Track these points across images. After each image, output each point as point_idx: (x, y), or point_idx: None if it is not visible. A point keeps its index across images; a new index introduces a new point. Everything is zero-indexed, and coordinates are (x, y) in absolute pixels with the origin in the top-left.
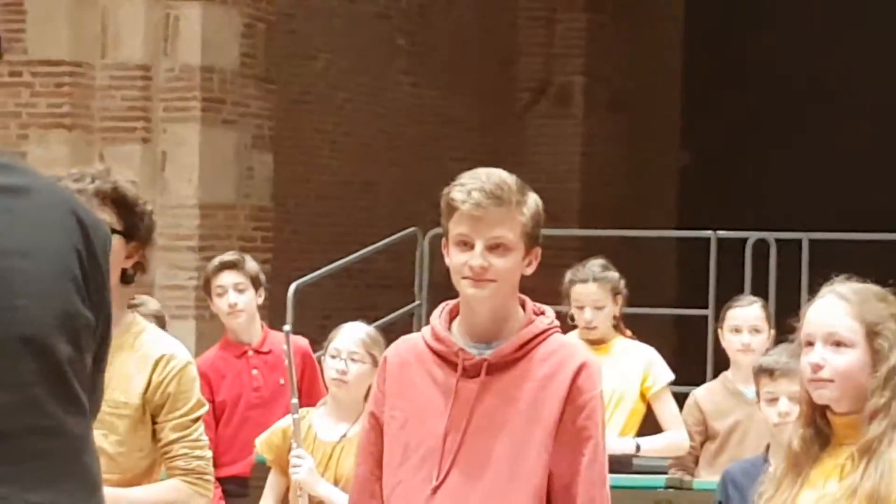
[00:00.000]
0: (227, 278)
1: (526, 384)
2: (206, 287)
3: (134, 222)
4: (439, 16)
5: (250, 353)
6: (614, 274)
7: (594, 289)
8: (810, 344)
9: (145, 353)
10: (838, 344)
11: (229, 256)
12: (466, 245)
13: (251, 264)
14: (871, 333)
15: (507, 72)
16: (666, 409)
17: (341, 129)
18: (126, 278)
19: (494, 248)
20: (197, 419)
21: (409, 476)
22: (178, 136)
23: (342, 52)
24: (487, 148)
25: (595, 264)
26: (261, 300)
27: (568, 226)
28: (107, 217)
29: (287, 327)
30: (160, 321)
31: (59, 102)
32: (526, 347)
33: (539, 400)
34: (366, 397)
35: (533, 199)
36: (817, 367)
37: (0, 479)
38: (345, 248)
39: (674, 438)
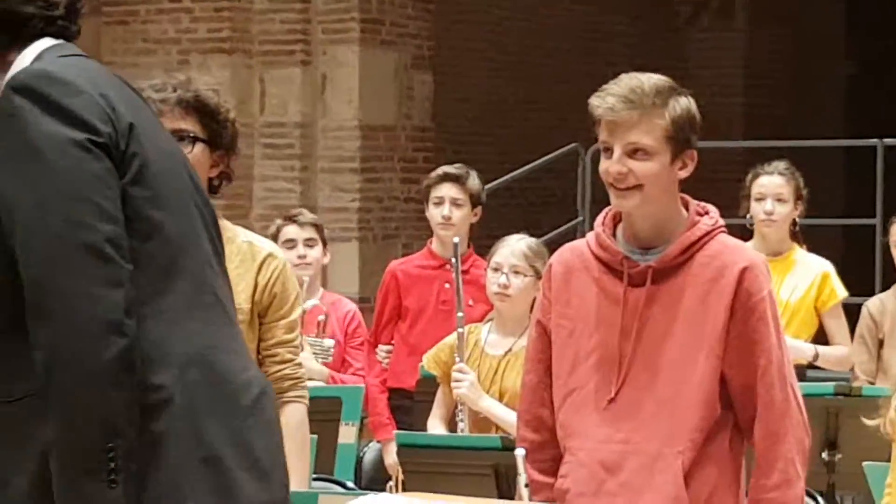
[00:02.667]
0: (447, 190)
1: (691, 288)
2: (424, 193)
3: (217, 130)
4: None
5: (448, 266)
6: (799, 175)
7: (779, 181)
8: None
9: (244, 256)
10: None
11: (454, 169)
12: (608, 151)
13: (474, 181)
14: None
15: None
16: (838, 324)
17: (500, 47)
18: (211, 188)
19: (633, 153)
20: (296, 321)
21: (580, 384)
22: (337, 59)
23: None
24: (647, 63)
25: (781, 162)
26: (475, 219)
27: (732, 140)
28: (189, 126)
29: (456, 239)
30: (319, 229)
31: (219, 27)
32: (690, 251)
33: (705, 304)
34: (531, 310)
35: (679, 102)
36: None
37: None
38: (507, 167)
39: (846, 352)
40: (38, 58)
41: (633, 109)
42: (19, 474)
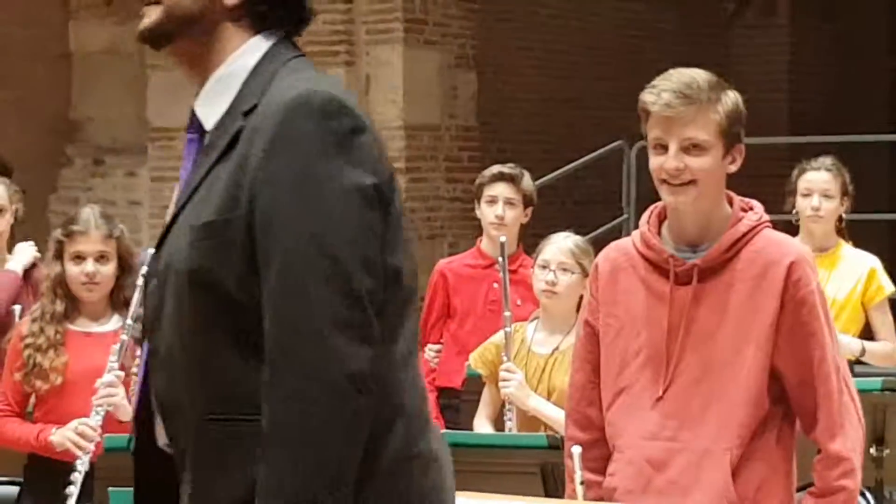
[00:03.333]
0: (501, 189)
1: (738, 285)
2: (477, 191)
3: None
4: None
5: (496, 266)
6: (845, 171)
7: (826, 177)
8: None
9: None
10: None
11: (508, 169)
12: (662, 148)
13: (527, 181)
14: None
15: None
16: (884, 319)
17: (544, 45)
18: None
19: (689, 148)
20: None
21: (629, 383)
22: (381, 59)
23: None
24: (692, 59)
25: (827, 158)
26: (526, 219)
27: (777, 136)
28: None
29: (503, 238)
30: None
31: None
32: (735, 247)
33: (753, 300)
34: (577, 308)
35: (729, 97)
36: None
37: None
38: (552, 165)
39: (893, 348)
40: (268, 57)
41: (690, 105)
42: (228, 499)
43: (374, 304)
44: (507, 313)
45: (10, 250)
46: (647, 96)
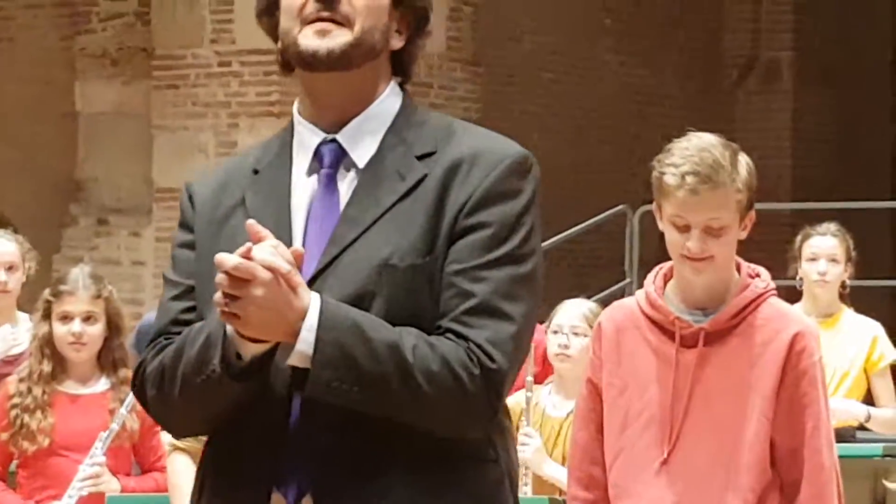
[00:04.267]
0: None
1: (743, 352)
2: None
3: None
4: None
5: None
6: (849, 237)
7: (833, 242)
8: None
9: None
10: None
11: None
12: (683, 227)
13: None
14: None
15: (715, 48)
16: (886, 386)
17: (549, 109)
18: None
19: (711, 229)
20: None
21: (631, 443)
22: None
23: (548, 32)
24: (696, 124)
25: (832, 224)
26: None
27: (780, 201)
28: None
29: None
30: None
31: (268, 91)
32: (742, 314)
33: (757, 367)
34: None
35: (744, 166)
36: None
37: None
38: (555, 228)
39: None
40: (409, 104)
41: (716, 189)
42: None
43: None
44: (529, 378)
45: (19, 307)
46: (670, 178)
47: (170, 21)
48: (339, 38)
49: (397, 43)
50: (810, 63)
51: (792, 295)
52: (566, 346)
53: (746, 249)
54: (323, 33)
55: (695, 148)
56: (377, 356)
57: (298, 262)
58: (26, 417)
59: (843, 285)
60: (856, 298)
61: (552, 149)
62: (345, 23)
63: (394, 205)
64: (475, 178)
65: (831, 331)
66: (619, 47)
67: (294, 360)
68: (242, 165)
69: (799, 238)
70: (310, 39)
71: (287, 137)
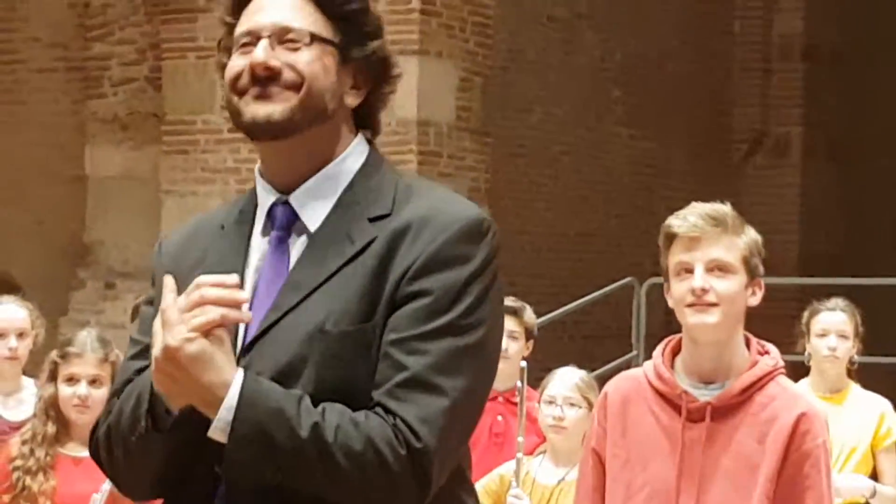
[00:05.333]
0: (508, 324)
1: (749, 428)
2: None
3: None
4: (654, 67)
5: (500, 399)
6: (858, 313)
7: (842, 317)
8: None
9: None
10: None
11: (511, 302)
12: (687, 272)
13: (530, 315)
14: None
15: (723, 122)
16: (892, 463)
17: (557, 181)
18: None
19: (714, 270)
20: None
21: None
22: None
23: (557, 104)
24: (704, 198)
25: (840, 300)
26: (527, 352)
27: (787, 276)
28: None
29: (523, 363)
30: None
31: None
32: (749, 391)
33: (761, 446)
34: (583, 441)
35: (750, 232)
36: None
37: None
38: (561, 300)
39: None
40: (372, 162)
41: (716, 227)
42: None
43: None
44: (520, 439)
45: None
46: (673, 221)
47: (181, 87)
48: (282, 104)
49: (354, 100)
50: (819, 138)
51: (799, 370)
52: (561, 418)
53: (752, 324)
54: (264, 98)
55: (698, 204)
56: (296, 437)
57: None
58: (28, 480)
59: (850, 361)
60: (864, 375)
61: (559, 220)
62: (291, 87)
63: (339, 269)
64: (422, 243)
65: (839, 406)
66: (627, 120)
67: (214, 434)
68: (212, 221)
69: (807, 313)
70: (250, 106)
71: (253, 195)
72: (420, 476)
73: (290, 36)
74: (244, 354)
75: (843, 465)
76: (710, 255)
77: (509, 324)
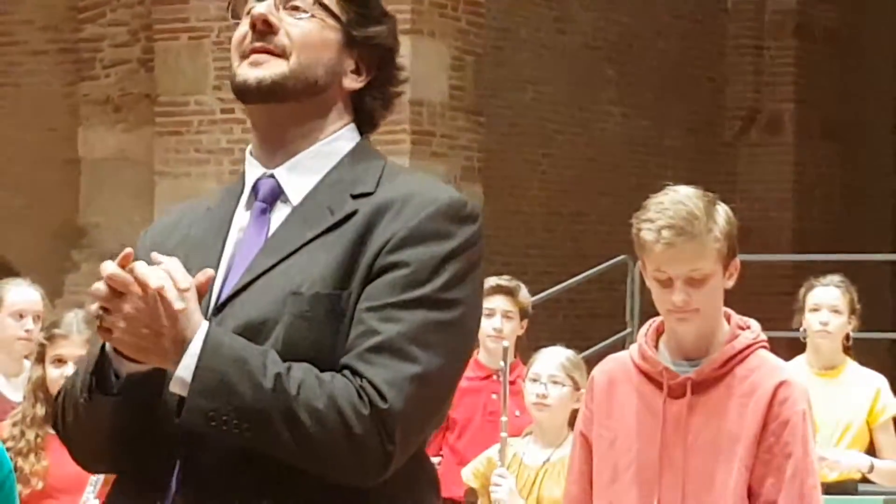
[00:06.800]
0: (499, 302)
1: (729, 402)
2: None
3: None
4: (648, 46)
5: (495, 377)
6: (853, 289)
7: (835, 293)
8: None
9: None
10: None
11: (505, 281)
12: (665, 281)
13: (524, 294)
14: None
15: (717, 100)
16: (888, 439)
17: (550, 160)
18: None
19: (692, 280)
20: None
21: (619, 496)
22: None
23: (551, 83)
24: (698, 177)
25: (836, 276)
26: (522, 331)
27: (781, 254)
28: None
29: (506, 343)
30: None
31: None
32: (729, 364)
33: (741, 418)
34: (569, 421)
35: (721, 216)
36: None
37: None
38: (555, 279)
39: None
40: (362, 148)
41: (692, 241)
42: None
43: None
44: (503, 418)
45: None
46: (647, 234)
47: (173, 68)
48: (272, 69)
49: (353, 83)
50: (812, 115)
51: (796, 347)
52: (544, 396)
53: (747, 301)
54: (256, 64)
55: (669, 202)
56: (258, 388)
57: (203, 288)
58: (20, 461)
59: (846, 337)
60: (859, 351)
61: (553, 199)
62: (281, 54)
63: (317, 237)
64: (403, 218)
65: (834, 382)
66: (621, 98)
67: (175, 387)
68: (198, 205)
69: (803, 290)
70: (244, 70)
71: (242, 178)
72: (383, 438)
73: (296, 3)
74: (216, 314)
75: (839, 440)
76: (686, 269)
77: (504, 303)
